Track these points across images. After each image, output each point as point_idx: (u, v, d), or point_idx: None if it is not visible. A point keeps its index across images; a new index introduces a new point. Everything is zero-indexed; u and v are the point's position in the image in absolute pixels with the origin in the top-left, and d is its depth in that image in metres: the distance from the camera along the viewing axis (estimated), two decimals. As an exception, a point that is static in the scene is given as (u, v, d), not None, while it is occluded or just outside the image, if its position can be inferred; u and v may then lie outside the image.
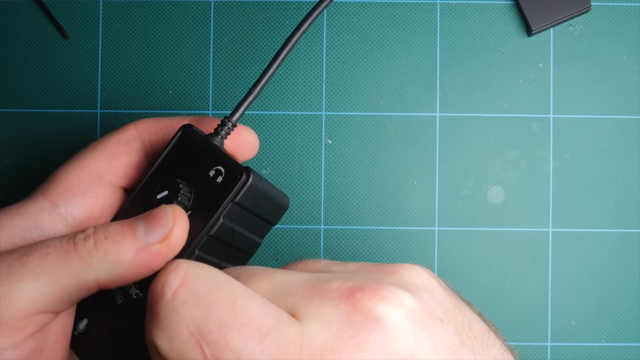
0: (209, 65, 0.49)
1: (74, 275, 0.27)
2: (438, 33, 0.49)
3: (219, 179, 0.30)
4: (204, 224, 0.30)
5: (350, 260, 0.48)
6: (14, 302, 0.26)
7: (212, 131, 0.32)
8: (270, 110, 0.49)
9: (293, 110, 0.49)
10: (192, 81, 0.49)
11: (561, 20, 0.48)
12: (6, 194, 0.49)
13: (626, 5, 0.49)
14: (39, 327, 0.28)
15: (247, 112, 0.49)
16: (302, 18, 0.34)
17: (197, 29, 0.49)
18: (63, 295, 0.27)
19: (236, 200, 0.30)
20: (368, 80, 0.49)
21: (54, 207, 0.31)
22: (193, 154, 0.31)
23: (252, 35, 0.49)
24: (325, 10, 0.50)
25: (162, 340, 0.23)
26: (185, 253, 0.29)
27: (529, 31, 0.49)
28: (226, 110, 0.49)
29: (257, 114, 0.49)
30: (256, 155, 0.48)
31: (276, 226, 0.49)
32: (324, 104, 0.49)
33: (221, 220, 0.30)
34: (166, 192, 0.31)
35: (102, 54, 0.49)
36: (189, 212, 0.30)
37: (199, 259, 0.30)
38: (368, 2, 0.49)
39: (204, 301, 0.23)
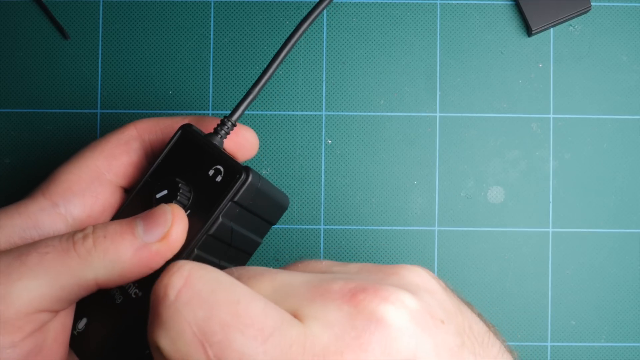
0: (209, 65, 0.49)
1: (73, 274, 0.27)
2: (438, 33, 0.49)
3: (218, 179, 0.30)
4: (203, 223, 0.30)
5: (350, 260, 0.48)
6: (13, 301, 0.26)
7: (212, 131, 0.32)
8: (270, 110, 0.49)
9: (293, 110, 0.49)
10: (192, 81, 0.49)
11: (561, 20, 0.48)
12: (6, 194, 0.49)
13: (626, 5, 0.49)
14: (38, 326, 0.28)
15: (247, 112, 0.49)
16: (302, 18, 0.34)
17: (197, 29, 0.49)
18: (62, 294, 0.27)
19: (235, 199, 0.30)
20: (368, 80, 0.49)
21: (53, 206, 0.31)
22: (192, 153, 0.31)
23: (252, 35, 0.49)
24: (325, 11, 0.50)
25: (165, 341, 0.23)
26: (185, 252, 0.29)
27: (529, 31, 0.49)
28: (226, 110, 0.49)
29: (257, 114, 0.49)
30: (256, 155, 0.48)
31: (276, 226, 0.49)
32: (324, 104, 0.49)
33: (220, 219, 0.30)
34: (165, 192, 0.31)
35: (102, 54, 0.49)
36: (188, 211, 0.30)
37: (198, 258, 0.30)
38: (368, 2, 0.49)
39: (207, 302, 0.23)
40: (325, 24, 0.50)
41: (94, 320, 0.31)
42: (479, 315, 0.29)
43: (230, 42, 0.49)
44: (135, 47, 0.49)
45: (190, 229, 0.30)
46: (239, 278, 0.26)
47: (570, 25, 0.49)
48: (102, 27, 0.49)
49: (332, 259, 0.48)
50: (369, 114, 0.49)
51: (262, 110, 0.49)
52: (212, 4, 0.49)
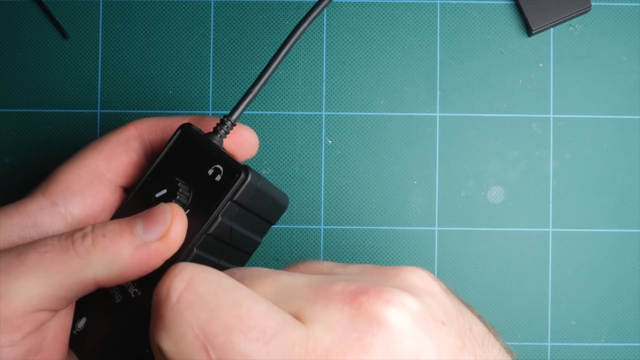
0: (209, 65, 0.49)
1: (72, 273, 0.27)
2: (438, 33, 0.49)
3: (218, 178, 0.30)
4: (203, 223, 0.30)
5: (350, 260, 0.48)
6: (11, 300, 0.26)
7: (212, 130, 0.32)
8: (270, 110, 0.49)
9: (293, 110, 0.49)
10: (192, 81, 0.49)
11: (561, 20, 0.48)
12: (6, 194, 0.49)
13: (626, 5, 0.49)
14: (37, 325, 0.28)
15: (247, 112, 0.49)
16: (302, 18, 0.34)
17: (197, 29, 0.49)
18: (61, 293, 0.27)
19: (234, 198, 0.30)
20: (368, 80, 0.49)
21: (53, 205, 0.31)
22: (192, 152, 0.31)
23: (252, 35, 0.49)
24: (325, 11, 0.50)
25: (168, 343, 0.23)
26: (184, 252, 0.29)
27: (529, 31, 0.49)
28: (226, 110, 0.49)
29: (257, 114, 0.49)
30: (256, 155, 0.48)
31: (276, 226, 0.49)
32: (324, 104, 0.49)
33: (220, 218, 0.30)
34: (165, 191, 0.31)
35: (102, 54, 0.49)
36: (188, 210, 0.30)
37: (198, 257, 0.30)
38: (368, 2, 0.49)
39: (209, 304, 0.23)
40: (325, 24, 0.50)
41: (93, 320, 0.31)
42: (479, 317, 0.30)
43: (230, 42, 0.49)
44: (135, 47, 0.49)
45: (189, 228, 0.30)
46: (240, 279, 0.26)
47: (570, 25, 0.49)
48: (102, 27, 0.49)
49: (332, 259, 0.48)
50: (369, 114, 0.49)
51: (262, 110, 0.49)
52: (212, 4, 0.49)
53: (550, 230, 0.49)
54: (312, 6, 0.35)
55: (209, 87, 0.49)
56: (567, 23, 0.49)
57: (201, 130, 0.33)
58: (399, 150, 0.49)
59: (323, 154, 0.49)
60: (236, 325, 0.23)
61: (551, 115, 0.49)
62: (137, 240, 0.28)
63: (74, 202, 0.32)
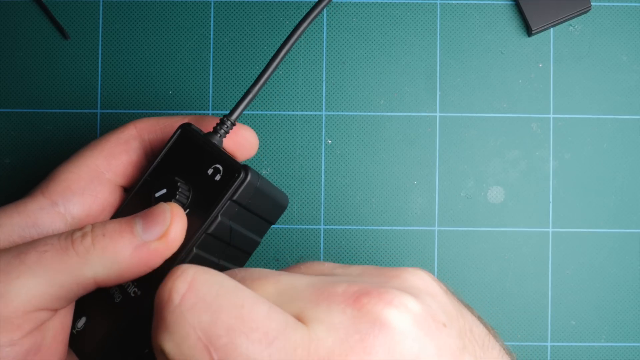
0: (209, 65, 0.49)
1: (72, 272, 0.27)
2: (438, 33, 0.49)
3: (217, 177, 0.30)
4: (202, 222, 0.30)
5: (350, 260, 0.49)
6: (11, 299, 0.27)
7: (211, 130, 0.32)
8: (270, 110, 0.49)
9: (293, 110, 0.49)
10: (192, 81, 0.49)
11: (561, 20, 0.48)
12: (6, 194, 0.49)
13: (626, 5, 0.49)
14: (37, 325, 0.28)
15: (247, 112, 0.49)
16: (302, 18, 0.34)
17: (197, 29, 0.49)
18: (61, 293, 0.27)
19: (234, 198, 0.30)
20: (368, 80, 0.49)
21: (52, 205, 0.31)
22: (192, 152, 0.32)
23: (252, 35, 0.49)
24: (325, 11, 0.50)
25: (170, 345, 0.23)
26: (183, 251, 0.29)
27: (529, 31, 0.49)
28: (226, 110, 0.49)
29: (257, 114, 0.49)
30: (256, 155, 0.48)
31: (276, 226, 0.49)
32: (324, 104, 0.49)
33: (219, 218, 0.30)
34: (164, 191, 0.31)
35: (102, 54, 0.49)
36: (187, 210, 0.30)
37: (197, 257, 0.30)
38: (368, 2, 0.49)
39: (212, 306, 0.23)
40: (325, 24, 0.50)
41: (93, 319, 0.31)
42: (479, 318, 0.30)
43: (230, 42, 0.49)
44: (135, 47, 0.49)
45: (189, 228, 0.30)
46: (242, 280, 0.26)
47: (570, 25, 0.49)
48: (102, 27, 0.49)
49: (332, 259, 0.48)
50: (369, 114, 0.49)
51: (262, 110, 0.49)
52: (212, 4, 0.49)
53: (550, 230, 0.49)
54: (312, 6, 0.35)
55: (209, 87, 0.49)
56: (567, 23, 0.49)
57: (201, 130, 0.33)
58: (399, 150, 0.49)
59: (323, 154, 0.49)
60: (238, 327, 0.23)
61: (551, 115, 0.49)
62: (136, 240, 0.28)
63: (74, 201, 0.32)
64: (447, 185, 0.49)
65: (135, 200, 0.32)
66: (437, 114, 0.49)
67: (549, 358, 0.48)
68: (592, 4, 0.49)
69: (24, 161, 0.49)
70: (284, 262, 0.49)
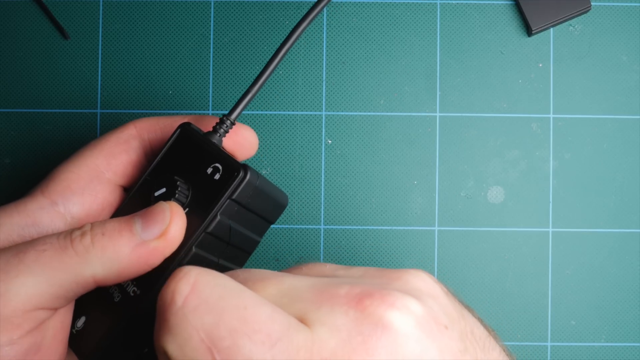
0: (209, 65, 0.49)
1: (71, 271, 0.27)
2: (438, 33, 0.49)
3: (217, 177, 0.30)
4: (202, 221, 0.30)
5: (351, 260, 0.49)
6: (10, 299, 0.26)
7: (211, 129, 0.32)
8: (270, 110, 0.49)
9: (293, 110, 0.49)
10: (192, 81, 0.49)
11: (561, 20, 0.48)
12: (6, 194, 0.49)
13: (626, 5, 0.49)
14: (37, 324, 0.28)
15: (247, 112, 0.49)
16: (301, 17, 0.34)
17: (197, 29, 0.49)
18: (60, 292, 0.27)
19: (233, 197, 0.30)
20: (368, 80, 0.49)
21: (52, 205, 0.31)
22: (191, 151, 0.32)
23: (252, 35, 0.49)
24: (325, 11, 0.50)
25: (173, 347, 0.23)
26: (183, 250, 0.29)
27: (529, 31, 0.49)
28: (226, 110, 0.49)
29: (257, 114, 0.49)
30: (256, 155, 0.48)
31: (276, 226, 0.49)
32: (324, 104, 0.49)
33: (218, 217, 0.30)
34: (164, 190, 0.31)
35: (102, 54, 0.49)
36: (187, 209, 0.30)
37: (197, 256, 0.30)
38: (368, 2, 0.50)
39: (215, 308, 0.23)
40: (325, 24, 0.50)
41: (92, 319, 0.31)
42: (479, 320, 0.30)
43: (230, 42, 0.49)
44: (135, 47, 0.49)
45: (188, 227, 0.30)
46: (244, 281, 0.26)
47: (570, 25, 0.49)
48: (102, 27, 0.49)
49: (332, 259, 0.48)
50: (369, 114, 0.49)
51: (262, 110, 0.49)
52: (212, 4, 0.49)
53: (550, 230, 0.49)
54: (311, 6, 0.35)
55: (209, 87, 0.49)
56: (567, 23, 0.49)
57: (200, 130, 0.33)
58: (399, 150, 0.49)
59: (323, 154, 0.49)
60: (241, 329, 0.23)
61: (551, 115, 0.49)
62: (136, 239, 0.28)
63: (74, 201, 0.32)
64: (447, 185, 0.49)
65: (135, 199, 0.32)
66: (437, 114, 0.49)
67: (549, 358, 0.48)
68: (592, 4, 0.49)
69: (24, 161, 0.49)
70: (284, 262, 0.49)
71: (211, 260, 0.31)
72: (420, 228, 0.49)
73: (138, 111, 0.49)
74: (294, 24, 0.49)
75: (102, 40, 0.49)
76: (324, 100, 0.49)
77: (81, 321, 0.31)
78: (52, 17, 0.49)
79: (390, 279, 0.27)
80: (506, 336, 0.48)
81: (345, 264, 0.48)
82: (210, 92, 0.49)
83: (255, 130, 0.42)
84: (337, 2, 0.49)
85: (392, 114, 0.49)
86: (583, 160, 0.49)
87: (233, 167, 0.30)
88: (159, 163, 0.32)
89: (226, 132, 0.32)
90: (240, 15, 0.49)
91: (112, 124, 0.49)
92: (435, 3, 0.50)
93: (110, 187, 0.33)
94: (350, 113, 0.49)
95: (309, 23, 0.34)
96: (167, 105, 0.49)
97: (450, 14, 0.49)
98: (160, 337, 0.24)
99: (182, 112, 0.49)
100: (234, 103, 0.49)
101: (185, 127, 0.32)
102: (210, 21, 0.49)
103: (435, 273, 0.49)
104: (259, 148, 0.44)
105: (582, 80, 0.49)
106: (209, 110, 0.49)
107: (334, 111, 0.49)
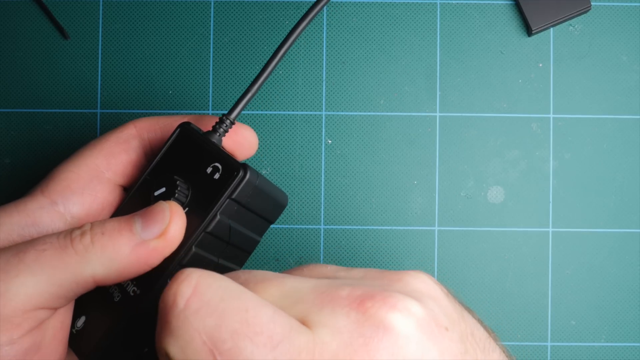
0: (209, 65, 0.49)
1: (71, 270, 0.27)
2: (438, 33, 0.49)
3: (216, 176, 0.30)
4: (201, 221, 0.30)
5: (351, 260, 0.49)
6: (10, 298, 0.26)
7: (210, 129, 0.32)
8: (270, 110, 0.49)
9: (293, 110, 0.49)
10: (192, 81, 0.49)
11: (561, 20, 0.48)
12: (6, 194, 0.49)
13: (626, 5, 0.49)
14: (37, 324, 0.28)
15: (246, 111, 0.49)
16: (301, 17, 0.34)
17: (197, 29, 0.49)
18: (60, 291, 0.27)
19: (233, 196, 0.30)
20: (368, 80, 0.49)
21: (52, 204, 0.32)
22: (191, 151, 0.32)
23: (252, 35, 0.49)
24: (325, 10, 0.50)
25: (175, 349, 0.23)
26: (182, 250, 0.29)
27: (529, 31, 0.49)
28: (226, 110, 0.49)
29: (257, 114, 0.49)
30: (256, 155, 0.48)
31: (276, 226, 0.49)
32: (324, 104, 0.49)
33: (218, 217, 0.30)
34: (163, 189, 0.31)
35: (102, 54, 0.49)
36: (187, 209, 0.30)
37: (196, 256, 0.30)
38: (368, 2, 0.50)
39: (216, 310, 0.23)
40: (325, 24, 0.50)
41: (92, 319, 0.31)
42: (479, 321, 0.30)
43: (230, 42, 0.49)
44: (135, 47, 0.49)
45: (188, 227, 0.30)
46: (245, 283, 0.26)
47: (570, 25, 0.49)
48: (102, 27, 0.49)
49: (332, 259, 0.48)
50: (369, 114, 0.49)
51: (262, 110, 0.49)
52: (212, 4, 0.49)
53: (550, 230, 0.49)
54: (311, 5, 0.35)
55: (209, 87, 0.49)
56: (567, 23, 0.49)
57: (200, 129, 0.33)
58: (399, 150, 0.49)
59: (323, 154, 0.49)
60: (243, 331, 0.23)
61: (551, 115, 0.49)
62: (135, 238, 0.28)
63: (74, 201, 0.32)
64: (447, 185, 0.49)
65: (135, 199, 0.32)
66: (437, 114, 0.49)
67: (549, 358, 0.48)
68: (592, 4, 0.49)
69: (24, 161, 0.49)
70: (284, 262, 0.49)
71: (211, 260, 0.31)
72: (420, 228, 0.49)
73: (138, 111, 0.49)
74: (294, 24, 0.49)
75: (102, 40, 0.49)
76: (324, 100, 0.49)
77: (81, 321, 0.31)
78: (52, 17, 0.49)
79: (391, 281, 0.27)
80: (506, 336, 0.48)
81: (345, 264, 0.48)
82: (210, 92, 0.49)
83: (255, 130, 0.42)
84: (337, 2, 0.49)
85: (392, 114, 0.49)
86: (583, 160, 0.49)
87: (233, 166, 0.30)
88: (159, 162, 0.32)
89: (226, 131, 0.32)
90: (240, 15, 0.49)
91: (112, 124, 0.49)
92: (435, 3, 0.50)
93: (110, 186, 0.33)
94: (350, 113, 0.49)
95: (308, 23, 0.34)
96: (167, 105, 0.49)
97: (450, 14, 0.49)
98: (162, 339, 0.24)
99: (182, 112, 0.49)
100: (234, 103, 0.49)
101: (184, 127, 0.32)
102: (210, 21, 0.49)
103: (435, 273, 0.49)
104: (259, 148, 0.44)
105: (582, 80, 0.49)
106: (209, 110, 0.49)
107: (334, 111, 0.49)
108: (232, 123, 0.32)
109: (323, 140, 0.49)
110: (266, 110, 0.49)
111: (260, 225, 0.33)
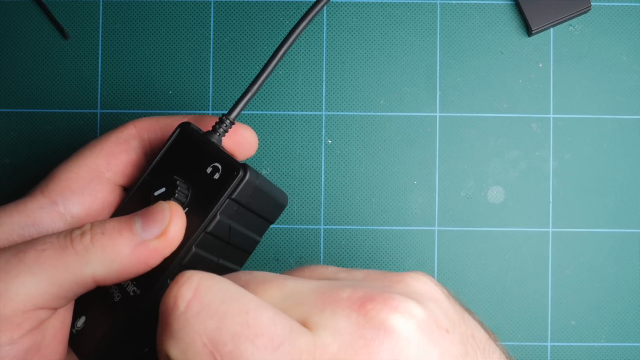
0: (209, 65, 0.49)
1: (71, 270, 0.27)
2: (438, 33, 0.49)
3: (216, 176, 0.30)
4: (201, 221, 0.30)
5: (351, 260, 0.48)
6: (10, 298, 0.26)
7: (210, 129, 0.32)
8: (270, 110, 0.49)
9: (293, 110, 0.49)
10: (192, 81, 0.49)
11: (561, 20, 0.48)
12: (6, 194, 0.49)
13: (626, 5, 0.49)
14: (37, 324, 0.28)
15: (246, 112, 0.49)
16: (301, 17, 0.34)
17: (197, 29, 0.49)
18: (60, 291, 0.27)
19: (233, 196, 0.30)
20: (368, 80, 0.49)
21: (52, 204, 0.31)
22: (191, 151, 0.31)
23: (252, 35, 0.49)
24: (325, 10, 0.50)
25: (176, 351, 0.23)
26: (182, 250, 0.29)
27: (529, 31, 0.49)
28: (226, 110, 0.49)
29: (257, 114, 0.49)
30: (256, 155, 0.48)
31: (276, 226, 0.49)
32: (324, 104, 0.49)
33: (218, 217, 0.30)
34: (163, 189, 0.31)
35: (102, 54, 0.49)
36: (187, 209, 0.30)
37: (196, 256, 0.30)
38: (368, 2, 0.50)
39: (217, 313, 0.23)
40: (325, 24, 0.50)
41: (92, 319, 0.31)
42: (480, 322, 0.30)
43: (230, 42, 0.49)
44: (135, 47, 0.49)
45: (188, 227, 0.30)
46: (246, 284, 0.26)
47: (570, 25, 0.49)
48: (102, 27, 0.49)
49: (332, 259, 0.48)
50: (369, 114, 0.49)
51: (262, 110, 0.49)
52: (212, 4, 0.49)
53: (550, 230, 0.49)
54: (311, 5, 0.35)
55: (209, 87, 0.49)
56: (567, 23, 0.49)
57: (200, 129, 0.33)
58: (399, 150, 0.49)
59: (323, 154, 0.49)
60: (244, 333, 0.23)
61: (551, 115, 0.49)
62: (135, 238, 0.28)
63: (74, 201, 0.32)
64: (447, 185, 0.49)
65: (135, 199, 0.32)
66: (437, 114, 0.49)
67: (549, 358, 0.48)
68: (592, 4, 0.49)
69: (24, 161, 0.49)
70: (284, 262, 0.49)
71: (211, 260, 0.31)
72: (420, 228, 0.49)
73: (138, 111, 0.49)
74: (294, 24, 0.49)
75: (102, 40, 0.49)
76: (324, 100, 0.49)
77: (81, 321, 0.31)
78: (52, 17, 0.49)
79: (392, 282, 0.27)
80: (506, 336, 0.48)
81: (345, 264, 0.48)
82: (210, 92, 0.49)
83: (255, 130, 0.42)
84: (337, 2, 0.49)
85: (392, 114, 0.49)
86: (583, 160, 0.49)
87: (232, 166, 0.30)
88: (159, 163, 0.32)
89: (225, 131, 0.32)
90: (240, 15, 0.49)
91: (112, 124, 0.49)
92: (435, 3, 0.50)
93: (110, 186, 0.33)
94: (350, 113, 0.49)
95: (308, 23, 0.34)
96: (167, 105, 0.49)
97: (450, 14, 0.49)
98: (163, 341, 0.24)
99: (182, 112, 0.49)
100: (234, 103, 0.49)
101: (184, 127, 0.32)
102: (210, 21, 0.49)
103: (435, 273, 0.49)
104: (259, 148, 0.44)
105: (582, 80, 0.49)
106: (209, 110, 0.49)
107: (334, 111, 0.49)
108: (232, 123, 0.32)
109: (323, 140, 0.49)
110: (266, 110, 0.49)
111: (260, 225, 0.33)
